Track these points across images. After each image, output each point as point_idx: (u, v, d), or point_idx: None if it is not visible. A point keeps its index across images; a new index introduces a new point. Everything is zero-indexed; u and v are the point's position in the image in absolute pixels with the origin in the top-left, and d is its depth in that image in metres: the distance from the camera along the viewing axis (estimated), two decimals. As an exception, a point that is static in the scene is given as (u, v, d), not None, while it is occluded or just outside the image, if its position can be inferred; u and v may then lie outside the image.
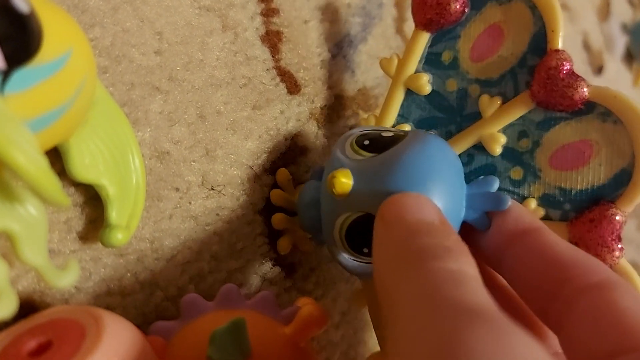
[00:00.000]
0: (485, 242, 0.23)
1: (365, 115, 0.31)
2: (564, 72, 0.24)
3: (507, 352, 0.13)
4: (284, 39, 0.30)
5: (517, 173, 0.26)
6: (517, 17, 0.26)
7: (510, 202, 0.23)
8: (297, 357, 0.23)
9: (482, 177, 0.25)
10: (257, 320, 0.23)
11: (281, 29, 0.31)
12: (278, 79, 0.30)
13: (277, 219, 0.29)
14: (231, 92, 0.28)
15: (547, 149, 0.25)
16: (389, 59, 0.29)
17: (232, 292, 0.24)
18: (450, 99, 0.28)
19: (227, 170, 0.28)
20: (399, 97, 0.29)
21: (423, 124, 0.29)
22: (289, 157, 0.30)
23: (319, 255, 0.32)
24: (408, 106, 0.29)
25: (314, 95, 0.31)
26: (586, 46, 0.63)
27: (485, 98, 0.27)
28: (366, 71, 0.35)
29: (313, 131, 0.31)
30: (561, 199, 0.25)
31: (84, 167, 0.21)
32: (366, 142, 0.24)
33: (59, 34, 0.18)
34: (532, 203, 0.26)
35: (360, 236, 0.23)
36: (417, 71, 0.28)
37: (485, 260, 0.23)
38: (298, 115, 0.31)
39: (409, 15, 0.28)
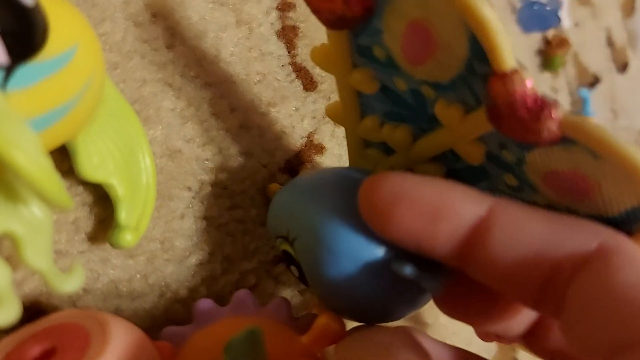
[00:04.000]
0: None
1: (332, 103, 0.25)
2: (520, 103, 0.16)
3: None
4: (300, 34, 0.30)
5: (511, 180, 0.20)
6: (441, 13, 0.17)
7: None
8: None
9: None
10: (272, 328, 0.23)
11: (297, 23, 0.30)
12: (294, 75, 0.29)
13: (272, 188, 0.27)
14: (245, 88, 0.27)
15: (536, 169, 0.18)
16: (319, 49, 0.22)
17: (247, 298, 0.23)
18: (407, 98, 0.21)
19: (241, 168, 0.27)
20: (351, 95, 0.23)
21: (392, 117, 0.23)
22: (305, 155, 0.29)
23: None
24: (368, 101, 0.23)
25: (331, 92, 0.30)
26: (610, 42, 0.62)
27: (442, 105, 0.19)
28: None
29: (329, 129, 0.30)
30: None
31: (92, 167, 0.21)
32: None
33: (65, 28, 0.17)
34: None
35: None
36: (355, 65, 0.21)
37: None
38: (314, 112, 0.30)
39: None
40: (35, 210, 0.18)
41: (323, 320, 0.22)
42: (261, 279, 0.28)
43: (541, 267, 0.16)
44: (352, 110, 0.23)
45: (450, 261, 0.17)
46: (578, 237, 0.16)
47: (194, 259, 0.25)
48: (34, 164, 0.15)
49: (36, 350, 0.18)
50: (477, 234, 0.16)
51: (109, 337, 0.18)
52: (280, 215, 0.22)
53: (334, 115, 0.25)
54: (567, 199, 0.18)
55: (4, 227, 0.17)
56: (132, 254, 0.23)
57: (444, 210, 0.17)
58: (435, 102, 0.20)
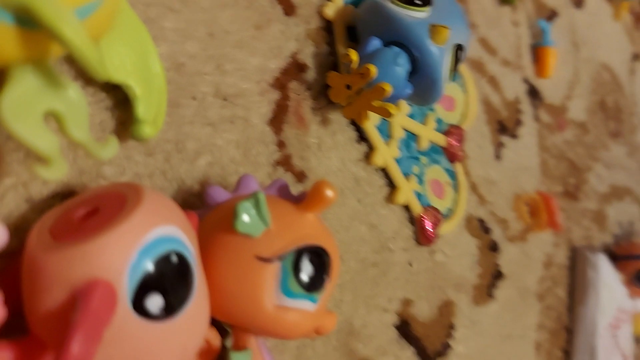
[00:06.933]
0: None
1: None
2: None
3: None
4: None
5: None
6: None
7: None
8: (312, 226, 0.26)
9: None
10: (274, 199, 0.26)
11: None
12: (275, 0, 0.33)
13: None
14: (236, 12, 0.31)
15: None
16: None
17: (250, 180, 0.27)
18: None
19: (237, 83, 0.31)
20: None
21: None
22: (290, 73, 0.33)
23: (326, 165, 0.35)
24: None
25: (310, 16, 0.34)
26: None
27: None
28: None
29: (310, 50, 0.34)
30: None
31: (113, 67, 0.24)
32: None
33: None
34: None
35: None
36: None
37: None
38: (297, 35, 0.34)
39: None
40: (71, 92, 0.21)
41: (318, 183, 0.26)
42: (263, 181, 0.31)
43: None
44: None
45: None
46: None
47: (204, 160, 0.29)
48: (79, 36, 0.18)
49: (82, 211, 0.22)
50: None
51: (142, 198, 0.22)
52: None
53: None
54: None
55: (49, 106, 0.21)
56: (151, 152, 0.27)
57: None
58: None
